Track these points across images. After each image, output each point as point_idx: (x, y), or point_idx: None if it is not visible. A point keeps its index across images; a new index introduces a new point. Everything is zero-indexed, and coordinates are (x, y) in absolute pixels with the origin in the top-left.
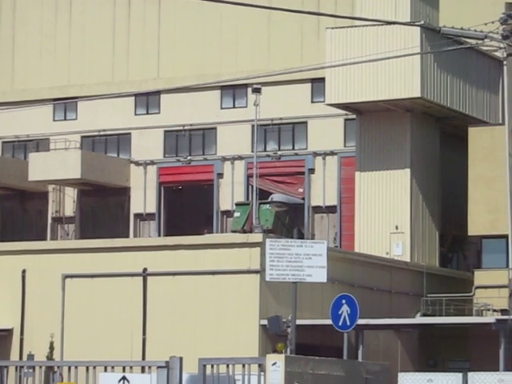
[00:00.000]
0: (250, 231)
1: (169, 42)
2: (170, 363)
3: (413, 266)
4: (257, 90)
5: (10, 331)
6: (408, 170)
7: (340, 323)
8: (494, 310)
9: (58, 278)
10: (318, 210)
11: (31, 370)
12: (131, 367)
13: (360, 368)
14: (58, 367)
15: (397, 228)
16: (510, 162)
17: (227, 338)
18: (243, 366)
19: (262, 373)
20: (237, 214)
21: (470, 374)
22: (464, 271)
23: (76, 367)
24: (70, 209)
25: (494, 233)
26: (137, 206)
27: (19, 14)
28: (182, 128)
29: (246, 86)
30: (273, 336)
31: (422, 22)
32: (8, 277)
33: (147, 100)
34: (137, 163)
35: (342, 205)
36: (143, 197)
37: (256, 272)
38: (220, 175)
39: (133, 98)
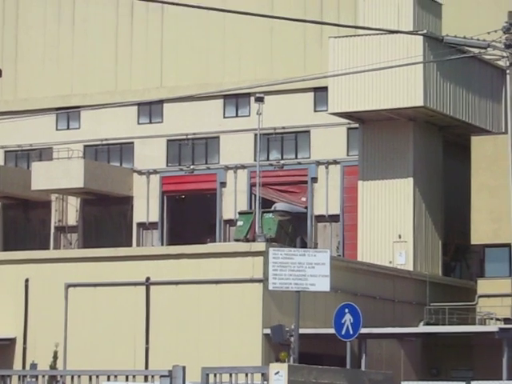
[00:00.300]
0: (253, 240)
1: (172, 52)
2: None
3: (416, 274)
4: (260, 99)
5: (12, 340)
6: (411, 179)
7: (343, 332)
8: (497, 319)
9: (60, 287)
10: (320, 218)
11: (34, 379)
12: (134, 376)
13: (363, 377)
14: (61, 376)
15: (400, 237)
16: None
17: (230, 346)
18: (246, 375)
19: (265, 382)
20: (240, 223)
21: (473, 383)
22: (467, 280)
23: (79, 376)
24: (72, 218)
25: (497, 242)
26: (140, 215)
27: (22, 24)
28: (184, 137)
29: (248, 95)
30: (276, 345)
31: (425, 31)
32: (11, 286)
33: (150, 109)
34: (140, 172)
35: (344, 214)
36: (146, 206)
37: (259, 281)
38: (223, 184)
39: (136, 107)
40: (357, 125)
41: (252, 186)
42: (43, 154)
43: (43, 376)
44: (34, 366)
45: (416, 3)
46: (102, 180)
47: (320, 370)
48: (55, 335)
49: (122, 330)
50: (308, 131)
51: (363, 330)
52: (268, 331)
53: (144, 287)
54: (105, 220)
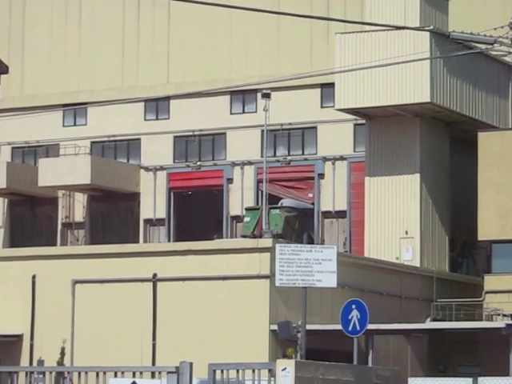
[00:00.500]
0: (260, 236)
1: (178, 48)
2: (180, 368)
3: (423, 270)
4: (266, 96)
5: (20, 337)
6: (418, 175)
7: (350, 328)
8: (504, 315)
9: (67, 284)
10: (327, 215)
11: (41, 376)
12: (141, 373)
13: (370, 373)
14: (68, 373)
15: (406, 233)
16: None
17: (237, 343)
18: (253, 371)
19: (272, 378)
20: (246, 219)
21: (480, 379)
22: (474, 276)
23: (86, 373)
24: (79, 214)
25: (503, 237)
26: (147, 211)
27: (29, 20)
28: (191, 133)
29: (255, 91)
30: (283, 341)
31: (432, 27)
32: (18, 282)
33: (157, 105)
34: (146, 169)
35: (351, 210)
36: (153, 202)
37: (266, 277)
38: (230, 180)
39: (142, 103)
40: (363, 121)
41: (259, 182)
42: (50, 150)
43: (50, 372)
44: (41, 362)
45: None
46: (108, 176)
47: (327, 366)
48: (62, 331)
49: (129, 326)
50: (315, 127)
51: (370, 326)
52: (275, 327)
53: (151, 283)
54: (112, 216)
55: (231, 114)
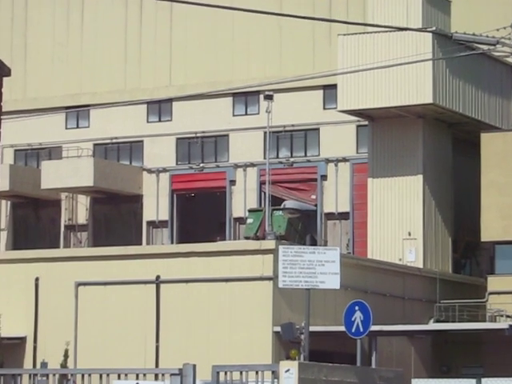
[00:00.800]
0: (263, 238)
1: (181, 50)
2: (184, 370)
3: (426, 272)
4: (269, 97)
5: (23, 339)
6: (420, 176)
7: (353, 330)
8: (508, 316)
9: (71, 286)
10: (330, 216)
11: (45, 378)
12: (144, 375)
13: (373, 374)
14: (72, 375)
15: (409, 234)
16: None
17: (240, 344)
18: (256, 372)
19: (276, 380)
20: (249, 221)
21: (484, 380)
22: (477, 277)
23: (89, 375)
24: (82, 216)
25: (506, 238)
26: (149, 213)
27: (31, 23)
28: (194, 135)
29: (258, 92)
30: (286, 343)
31: (434, 28)
32: (21, 285)
33: (159, 107)
34: (149, 171)
35: (354, 211)
36: (156, 204)
37: (269, 279)
38: (232, 182)
39: (145, 105)
40: (366, 122)
41: (262, 183)
42: (53, 152)
43: (54, 375)
44: (44, 364)
45: (425, 0)
46: (111, 178)
47: (330, 367)
48: (65, 334)
49: (132, 328)
50: (317, 129)
51: (373, 328)
52: (278, 329)
53: (154, 285)
54: (115, 218)
55: (234, 115)
